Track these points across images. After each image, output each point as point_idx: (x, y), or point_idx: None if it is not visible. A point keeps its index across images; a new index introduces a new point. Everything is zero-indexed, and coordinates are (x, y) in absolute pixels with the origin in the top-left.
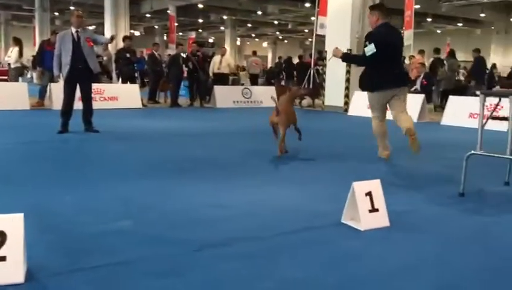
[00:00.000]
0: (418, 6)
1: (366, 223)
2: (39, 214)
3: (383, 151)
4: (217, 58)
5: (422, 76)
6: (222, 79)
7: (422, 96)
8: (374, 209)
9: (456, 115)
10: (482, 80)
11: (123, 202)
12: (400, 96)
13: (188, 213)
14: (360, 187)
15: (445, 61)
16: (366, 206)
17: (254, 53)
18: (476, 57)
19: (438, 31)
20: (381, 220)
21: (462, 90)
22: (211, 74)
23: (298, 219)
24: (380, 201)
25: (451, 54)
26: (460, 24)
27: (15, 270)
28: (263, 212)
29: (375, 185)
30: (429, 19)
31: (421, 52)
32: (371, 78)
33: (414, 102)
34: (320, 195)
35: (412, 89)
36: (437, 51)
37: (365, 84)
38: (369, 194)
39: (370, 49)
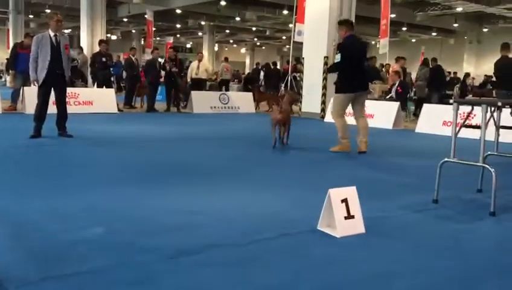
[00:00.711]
0: (393, 16)
1: (342, 230)
2: (7, 222)
3: (345, 142)
4: (194, 64)
5: (397, 84)
6: (199, 84)
7: (397, 103)
8: (349, 216)
9: (430, 122)
10: (439, 88)
11: (94, 209)
12: (360, 101)
13: (162, 220)
14: (336, 194)
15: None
16: (342, 213)
17: (226, 59)
18: (433, 66)
19: (413, 40)
20: (357, 226)
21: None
22: (188, 80)
23: (274, 225)
24: (355, 208)
25: (425, 62)
26: (434, 33)
27: None
28: (238, 219)
29: (351, 192)
30: (404, 28)
31: (399, 59)
32: (339, 82)
33: (389, 109)
34: (296, 201)
35: (387, 96)
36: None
37: (336, 88)
38: (345, 200)
39: (337, 58)
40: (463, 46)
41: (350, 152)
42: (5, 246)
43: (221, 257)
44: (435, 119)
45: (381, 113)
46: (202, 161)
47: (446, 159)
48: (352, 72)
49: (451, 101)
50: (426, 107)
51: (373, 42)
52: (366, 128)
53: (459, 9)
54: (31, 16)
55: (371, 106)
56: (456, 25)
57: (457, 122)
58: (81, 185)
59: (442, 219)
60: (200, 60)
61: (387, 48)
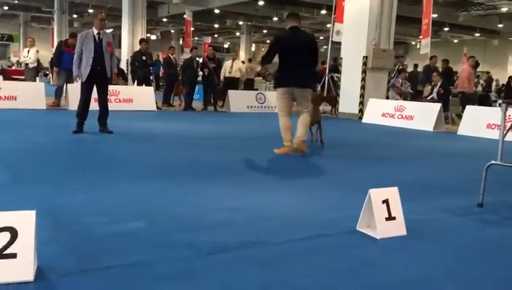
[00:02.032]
0: (435, 15)
1: (382, 232)
2: (52, 213)
3: (286, 143)
4: (228, 63)
5: (438, 85)
6: (233, 83)
7: (438, 105)
8: (390, 218)
9: (473, 125)
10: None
11: (135, 203)
12: (302, 97)
13: (200, 216)
14: (376, 194)
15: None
16: (383, 214)
17: (250, 60)
18: (445, 68)
19: (455, 41)
20: (398, 228)
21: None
22: (222, 78)
23: (312, 225)
24: (397, 209)
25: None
26: (477, 34)
27: (25, 268)
28: (276, 217)
29: (392, 193)
30: (446, 28)
31: (432, 58)
32: (276, 76)
33: (430, 111)
34: (335, 202)
35: (429, 97)
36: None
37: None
38: (386, 201)
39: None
40: (507, 47)
41: (293, 154)
42: (48, 237)
43: (258, 255)
44: (479, 121)
45: (422, 115)
46: (239, 159)
47: (492, 162)
48: (287, 66)
49: (499, 102)
50: (469, 109)
51: (413, 42)
52: (305, 125)
53: (504, 9)
54: (74, 16)
55: (410, 107)
56: (500, 25)
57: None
58: (121, 179)
59: (486, 224)
60: (234, 59)
61: (429, 48)
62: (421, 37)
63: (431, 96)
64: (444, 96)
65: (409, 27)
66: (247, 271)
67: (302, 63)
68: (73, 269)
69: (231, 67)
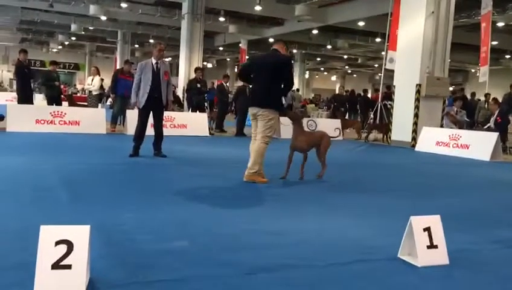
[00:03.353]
0: (495, 43)
1: (423, 259)
2: (104, 230)
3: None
4: None
5: (496, 113)
6: None
7: (496, 134)
8: (432, 246)
9: None
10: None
11: (181, 223)
12: (260, 118)
13: (242, 238)
14: (418, 222)
15: None
16: (424, 241)
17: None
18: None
19: None
20: (440, 257)
21: None
22: None
23: (352, 251)
24: (439, 237)
25: None
26: None
27: (78, 279)
28: (317, 242)
29: (434, 221)
30: (508, 56)
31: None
32: None
33: (487, 140)
34: (377, 228)
35: (485, 127)
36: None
37: None
38: (427, 229)
39: None
40: None
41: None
42: (100, 252)
43: (298, 277)
44: None
45: (478, 143)
46: (283, 183)
47: None
48: (253, 86)
49: None
50: None
51: (473, 70)
52: (255, 153)
53: None
54: (136, 46)
55: (466, 136)
56: None
57: None
58: (171, 201)
59: None
60: None
61: (487, 76)
62: (480, 64)
63: (488, 125)
64: (502, 125)
65: (468, 54)
66: None
67: (262, 83)
68: (121, 281)
69: None
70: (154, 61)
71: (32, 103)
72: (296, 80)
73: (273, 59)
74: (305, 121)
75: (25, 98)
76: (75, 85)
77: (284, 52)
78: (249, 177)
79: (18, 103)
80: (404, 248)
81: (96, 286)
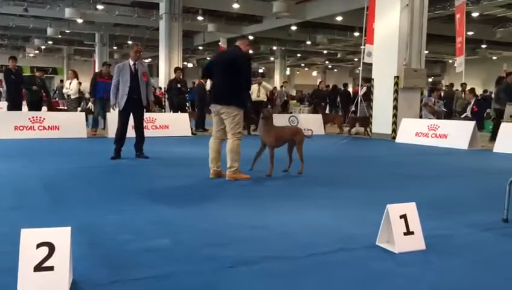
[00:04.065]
0: (471, 33)
1: (400, 246)
2: (86, 231)
3: (211, 169)
4: (254, 87)
5: (472, 102)
6: (261, 107)
7: (473, 122)
8: (408, 232)
9: (510, 142)
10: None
11: (164, 222)
12: (224, 116)
13: (224, 233)
14: (394, 209)
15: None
16: (401, 228)
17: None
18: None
19: (494, 58)
20: (416, 243)
21: None
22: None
23: (332, 241)
24: (415, 224)
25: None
26: None
27: (61, 280)
28: (297, 234)
29: (410, 208)
30: (484, 46)
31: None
32: None
33: (465, 129)
34: (356, 218)
35: (462, 116)
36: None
37: None
38: (403, 216)
39: None
40: None
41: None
42: (83, 253)
43: (279, 268)
44: None
45: (456, 132)
46: (266, 180)
47: None
48: (214, 83)
49: None
50: (505, 126)
51: (450, 61)
52: (231, 152)
53: None
54: (115, 48)
55: (444, 126)
56: None
57: None
58: (152, 200)
59: (510, 238)
60: (259, 84)
61: (463, 66)
62: (456, 55)
63: (465, 114)
64: (479, 113)
65: (445, 46)
66: (267, 284)
67: (221, 80)
68: (105, 281)
69: (258, 91)
70: (131, 62)
71: (21, 110)
72: (277, 77)
73: (232, 55)
74: (287, 117)
75: (14, 105)
76: (53, 90)
77: (245, 49)
78: (230, 175)
79: (7, 110)
80: (382, 235)
81: (79, 286)
